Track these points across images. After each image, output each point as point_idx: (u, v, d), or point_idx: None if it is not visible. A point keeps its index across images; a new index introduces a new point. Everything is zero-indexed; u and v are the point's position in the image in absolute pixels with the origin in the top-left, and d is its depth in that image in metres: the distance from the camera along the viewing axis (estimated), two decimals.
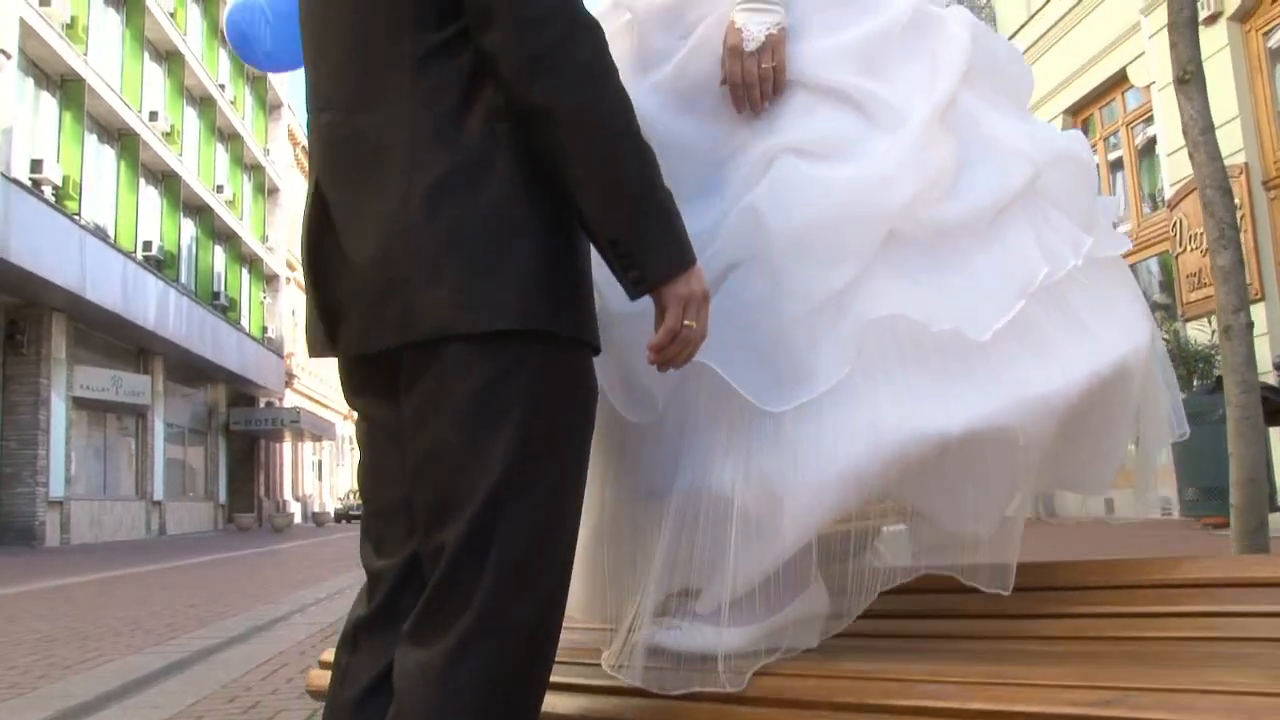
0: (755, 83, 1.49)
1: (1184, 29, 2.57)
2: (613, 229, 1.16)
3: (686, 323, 1.18)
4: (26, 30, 15.65)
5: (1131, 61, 9.98)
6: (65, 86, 17.78)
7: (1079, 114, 11.24)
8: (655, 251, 1.17)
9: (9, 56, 14.07)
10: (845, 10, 1.57)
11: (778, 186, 1.42)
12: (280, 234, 31.82)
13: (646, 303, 1.21)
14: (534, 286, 1.13)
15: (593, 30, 1.18)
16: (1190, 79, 2.54)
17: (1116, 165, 10.99)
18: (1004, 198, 1.45)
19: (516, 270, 1.13)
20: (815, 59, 1.51)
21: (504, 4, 1.14)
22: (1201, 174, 2.61)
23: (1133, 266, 10.78)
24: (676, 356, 1.21)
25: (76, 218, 17.41)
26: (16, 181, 15.14)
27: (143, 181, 21.10)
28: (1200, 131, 2.53)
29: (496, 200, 1.14)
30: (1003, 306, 1.36)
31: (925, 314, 1.33)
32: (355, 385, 1.30)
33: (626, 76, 1.58)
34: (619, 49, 1.58)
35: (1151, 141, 10.24)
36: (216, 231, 26.13)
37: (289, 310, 32.58)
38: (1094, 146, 11.15)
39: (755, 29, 1.50)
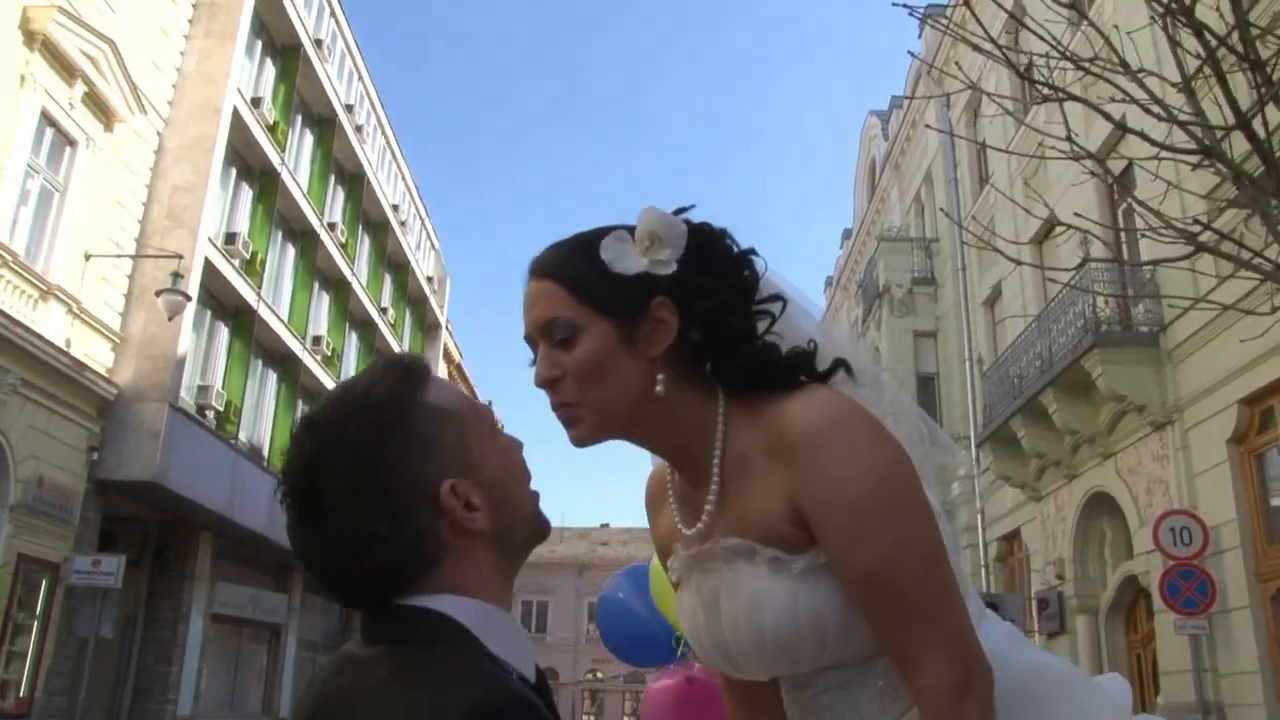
0: None
1: None
2: None
3: None
4: (210, 269, 16.75)
5: None
6: (238, 317, 18.84)
7: (1254, 404, 10.51)
8: None
9: (190, 299, 14.97)
10: None
11: None
12: None
13: None
14: None
15: None
16: None
17: None
18: None
19: None
20: None
21: None
22: None
23: None
24: None
25: (233, 441, 18.09)
26: (183, 411, 15.88)
27: (300, 403, 21.93)
28: None
29: None
30: None
31: None
32: None
33: None
34: None
35: None
36: None
37: None
38: (1277, 440, 10.36)
39: None
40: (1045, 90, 5.43)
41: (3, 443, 12.92)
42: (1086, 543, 14.33)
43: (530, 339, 1.34)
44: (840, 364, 1.37)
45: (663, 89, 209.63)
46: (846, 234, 34.62)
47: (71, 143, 14.15)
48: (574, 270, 1.31)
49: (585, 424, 1.31)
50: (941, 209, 18.69)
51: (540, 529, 1.19)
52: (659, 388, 1.30)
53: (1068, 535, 14.51)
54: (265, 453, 20.19)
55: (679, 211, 1.36)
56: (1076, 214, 6.38)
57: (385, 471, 1.04)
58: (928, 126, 20.13)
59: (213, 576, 18.82)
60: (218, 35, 17.32)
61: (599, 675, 57.00)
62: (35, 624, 13.91)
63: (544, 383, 1.31)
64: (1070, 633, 14.33)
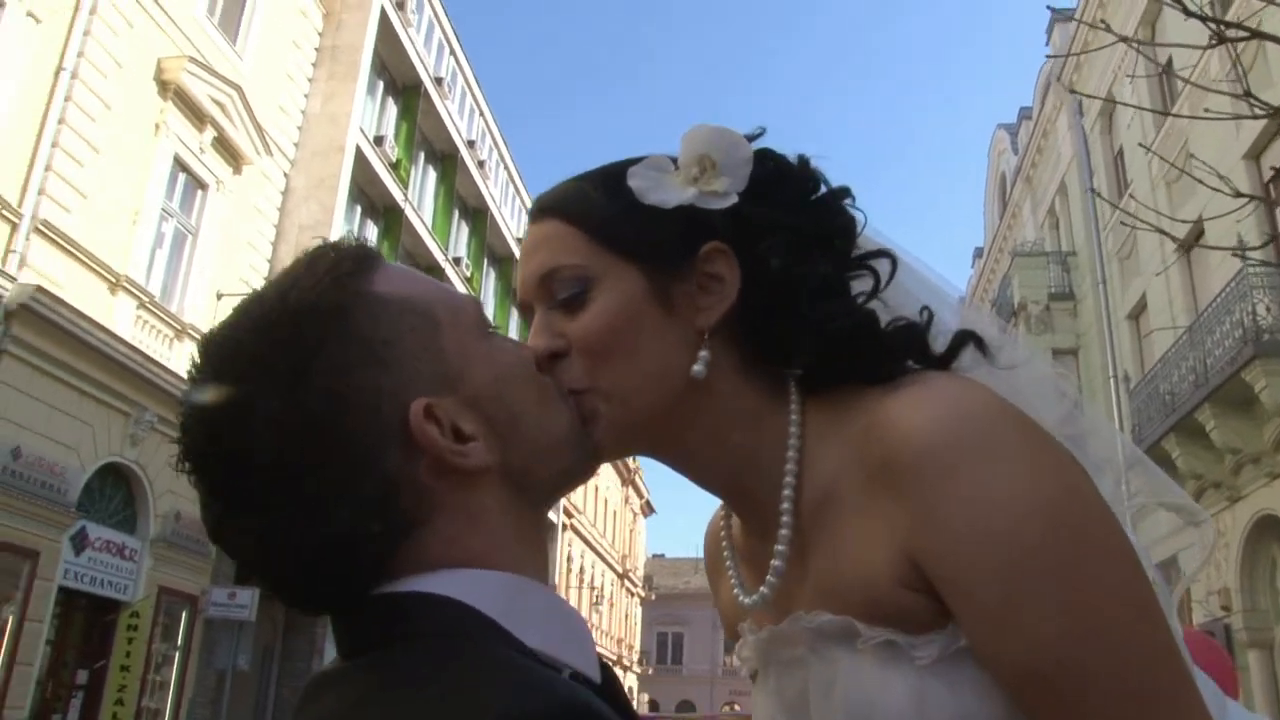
0: None
1: None
2: None
3: None
4: None
5: None
6: None
7: None
8: None
9: None
10: None
11: None
12: None
13: None
14: None
15: None
16: None
17: None
18: None
19: None
20: None
21: None
22: None
23: None
24: None
25: None
26: None
27: None
28: None
29: None
30: None
31: None
32: None
33: None
34: None
35: None
36: None
37: (563, 557, 32.64)
38: None
39: None
40: (1216, 28, 4.29)
41: (143, 478, 13.34)
42: (1255, 570, 13.28)
43: (525, 305, 0.93)
44: (967, 337, 0.91)
45: (800, 109, 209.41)
46: (978, 253, 33.52)
47: (202, 186, 14.59)
48: (588, 203, 0.90)
49: (602, 420, 0.86)
50: (1094, 190, 17.61)
51: (579, 460, 0.84)
52: (697, 366, 0.87)
53: (1233, 562, 13.47)
54: None
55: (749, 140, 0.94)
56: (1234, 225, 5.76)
57: (323, 399, 0.70)
58: (1072, 92, 18.81)
59: None
60: (340, 77, 17.75)
61: (737, 708, 56.29)
62: (177, 655, 14.30)
63: (540, 359, 0.86)
64: (1241, 669, 13.26)
